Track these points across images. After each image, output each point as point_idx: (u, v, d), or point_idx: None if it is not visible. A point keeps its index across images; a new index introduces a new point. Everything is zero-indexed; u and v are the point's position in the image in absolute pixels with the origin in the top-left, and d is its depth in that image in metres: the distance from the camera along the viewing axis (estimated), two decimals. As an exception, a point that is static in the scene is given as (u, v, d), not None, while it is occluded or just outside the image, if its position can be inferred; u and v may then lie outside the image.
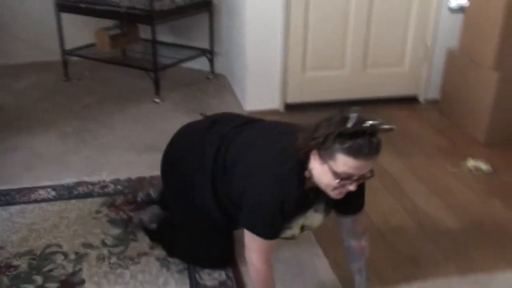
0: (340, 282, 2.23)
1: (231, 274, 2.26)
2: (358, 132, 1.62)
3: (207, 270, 2.27)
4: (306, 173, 1.79)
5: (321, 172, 1.73)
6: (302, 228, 1.99)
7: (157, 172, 2.99)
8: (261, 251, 1.87)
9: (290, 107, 3.97)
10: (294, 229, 1.96)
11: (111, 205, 2.70)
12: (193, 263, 2.29)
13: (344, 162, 1.65)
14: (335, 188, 1.74)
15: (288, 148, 1.82)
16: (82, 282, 2.18)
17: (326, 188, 1.76)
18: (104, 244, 2.42)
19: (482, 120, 3.46)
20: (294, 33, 3.76)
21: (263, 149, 1.94)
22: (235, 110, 3.94)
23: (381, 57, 3.98)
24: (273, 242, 1.87)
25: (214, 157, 2.04)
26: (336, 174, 1.68)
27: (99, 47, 4.37)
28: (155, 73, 4.02)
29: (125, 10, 3.92)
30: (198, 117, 3.71)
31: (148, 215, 2.52)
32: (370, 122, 1.63)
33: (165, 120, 3.74)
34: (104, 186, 2.88)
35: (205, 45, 4.50)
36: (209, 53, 4.51)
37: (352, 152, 1.63)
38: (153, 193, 2.70)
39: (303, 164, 1.78)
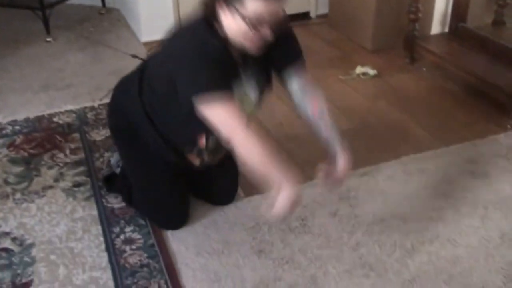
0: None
1: (137, 195, 2.34)
2: None
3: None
4: (215, 24, 1.70)
5: (232, 22, 1.65)
6: (262, 92, 1.92)
7: (55, 109, 3.03)
8: (231, 117, 1.66)
9: (186, 34, 3.99)
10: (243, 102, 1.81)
11: (11, 145, 2.69)
12: (149, 220, 2.19)
13: (254, 8, 1.60)
14: (250, 38, 1.66)
15: (192, 19, 1.77)
16: (-13, 219, 2.21)
17: (243, 40, 1.68)
18: (6, 182, 2.42)
19: (367, 29, 3.65)
20: (181, -42, 3.74)
21: (172, 39, 1.84)
22: (131, 42, 3.94)
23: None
24: (233, 103, 1.67)
25: (139, 79, 1.97)
26: (246, 19, 1.62)
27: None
28: (43, 11, 3.90)
29: None
30: (92, 51, 3.73)
31: (116, 157, 2.41)
32: None
33: (59, 58, 3.69)
34: (1, 128, 2.85)
35: (93, -22, 4.38)
36: (99, -13, 4.41)
37: None
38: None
39: (210, 20, 1.71)
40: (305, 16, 4.29)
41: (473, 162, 2.53)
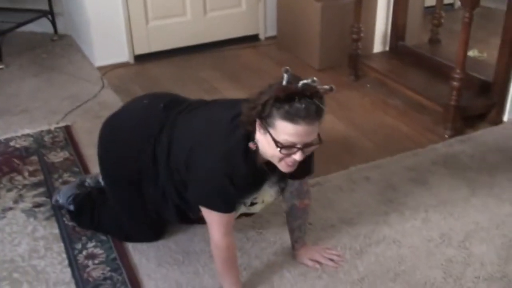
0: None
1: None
2: (294, 95, 1.56)
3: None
4: (251, 145, 1.73)
5: (265, 142, 1.67)
6: (263, 202, 1.99)
7: (11, 134, 3.07)
8: (220, 224, 1.82)
9: (140, 58, 4.10)
10: (255, 206, 1.97)
11: (-32, 170, 2.73)
12: (121, 239, 2.24)
13: (283, 129, 1.59)
14: (280, 159, 1.68)
15: (233, 121, 1.77)
16: (-52, 243, 2.24)
17: (273, 159, 1.71)
18: (-34, 205, 2.47)
19: (314, 49, 3.84)
20: (132, -16, 3.86)
21: (208, 122, 1.89)
22: (84, 67, 4.01)
23: (219, 0, 4.21)
24: (231, 215, 1.84)
25: (168, 142, 1.94)
26: (277, 143, 1.62)
27: None
28: (-5, 38, 3.94)
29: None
30: (46, 77, 3.79)
31: (63, 196, 2.39)
32: (304, 81, 1.58)
33: (12, 85, 3.73)
34: (-42, 154, 2.88)
35: (44, 6, 4.43)
36: (50, 14, 4.46)
37: (289, 117, 1.57)
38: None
39: (250, 137, 1.73)
40: (254, 38, 4.45)
41: (414, 170, 2.72)
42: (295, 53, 4.08)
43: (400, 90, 3.35)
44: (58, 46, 4.42)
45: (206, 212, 1.83)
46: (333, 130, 3.10)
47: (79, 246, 2.23)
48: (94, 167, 2.75)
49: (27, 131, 3.10)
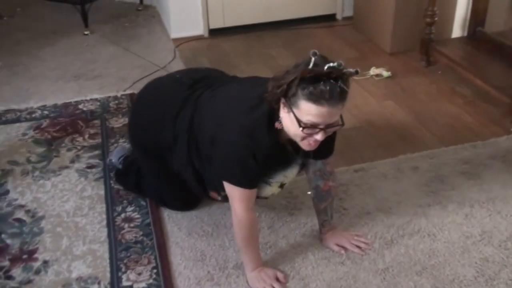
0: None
1: (143, 178, 2.53)
2: (320, 77, 1.57)
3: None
4: (277, 125, 1.76)
5: (288, 121, 1.70)
6: (281, 186, 2.00)
7: (81, 97, 3.26)
8: (242, 200, 1.85)
9: (215, 32, 4.17)
10: (273, 187, 1.97)
11: (37, 128, 2.93)
12: (158, 204, 2.34)
13: (307, 109, 1.61)
14: (303, 138, 1.71)
15: (258, 97, 1.78)
16: (7, 192, 2.43)
17: (295, 138, 1.74)
18: (28, 161, 2.66)
19: (387, 31, 3.72)
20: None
21: (232, 99, 1.93)
22: (162, 38, 4.14)
23: (297, -23, 4.18)
24: (253, 190, 1.87)
25: (189, 117, 1.98)
26: (300, 123, 1.64)
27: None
28: (82, 5, 4.16)
29: None
30: (124, 45, 3.96)
31: (115, 155, 2.53)
32: (330, 64, 1.59)
33: (93, 50, 3.93)
34: (31, 112, 3.09)
35: (132, -24, 4.61)
36: (137, -15, 4.63)
37: (313, 98, 1.58)
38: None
39: (274, 114, 1.76)
40: (331, 18, 4.38)
41: (468, 163, 2.59)
42: (369, 35, 3.98)
43: (470, 78, 3.18)
44: (141, 16, 4.59)
45: (229, 187, 1.86)
46: (391, 116, 3.01)
47: (119, 208, 2.34)
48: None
49: (96, 95, 3.28)
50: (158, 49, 3.94)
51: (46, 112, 3.10)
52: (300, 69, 1.63)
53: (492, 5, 3.47)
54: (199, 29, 4.14)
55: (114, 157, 2.53)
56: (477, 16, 3.48)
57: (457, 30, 3.74)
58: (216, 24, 4.15)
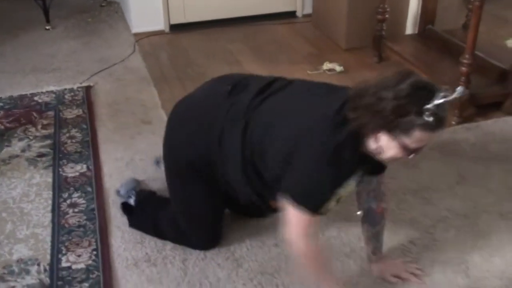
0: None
1: (91, 166, 2.59)
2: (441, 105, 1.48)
3: (70, 164, 2.59)
4: (363, 149, 1.63)
5: (387, 146, 1.57)
6: (338, 201, 1.73)
7: (38, 90, 3.30)
8: (298, 225, 1.70)
9: (176, 28, 4.24)
10: (331, 202, 1.70)
11: (-10, 119, 2.98)
12: (180, 243, 2.13)
13: (421, 138, 1.53)
14: (396, 159, 1.61)
15: (339, 112, 1.63)
16: (-47, 181, 2.48)
17: (387, 159, 1.63)
18: (-21, 150, 2.70)
19: (342, 29, 3.82)
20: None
21: (303, 113, 1.75)
22: (123, 33, 4.20)
23: (256, -25, 4.26)
24: (315, 218, 1.70)
25: (241, 142, 1.81)
26: (407, 149, 1.56)
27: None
28: (43, 1, 4.20)
29: None
30: (85, 40, 4.00)
31: (124, 187, 2.37)
32: (449, 98, 1.48)
33: (54, 45, 3.97)
34: (-14, 104, 3.14)
35: (95, -28, 4.66)
36: (100, -20, 4.68)
37: (432, 128, 1.51)
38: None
39: (357, 136, 1.61)
40: (291, 14, 4.47)
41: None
42: (326, 32, 4.08)
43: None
44: (104, 12, 4.65)
45: (290, 208, 1.69)
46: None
47: (65, 195, 2.40)
48: (101, 124, 2.94)
49: (52, 88, 3.32)
50: (119, 44, 4.00)
51: (0, 104, 3.14)
52: (410, 101, 1.49)
53: (441, 4, 3.59)
54: (160, 24, 4.20)
55: (123, 189, 2.36)
56: (427, 14, 3.59)
57: (410, 28, 3.85)
58: (177, 19, 4.22)
